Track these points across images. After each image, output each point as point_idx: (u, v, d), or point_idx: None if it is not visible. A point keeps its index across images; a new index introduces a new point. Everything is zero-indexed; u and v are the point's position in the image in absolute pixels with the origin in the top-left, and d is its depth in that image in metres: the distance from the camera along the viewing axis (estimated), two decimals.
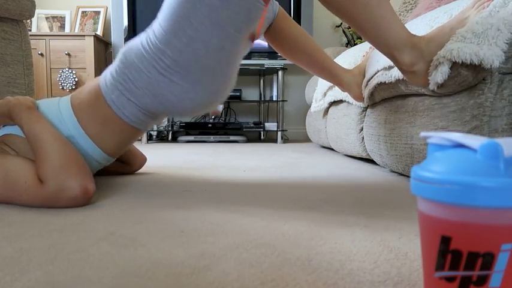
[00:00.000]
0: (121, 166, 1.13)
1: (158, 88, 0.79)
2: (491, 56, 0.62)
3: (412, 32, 0.77)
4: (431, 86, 0.75)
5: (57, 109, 0.84)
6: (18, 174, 0.71)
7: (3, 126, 0.85)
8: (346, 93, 1.35)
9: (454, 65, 0.69)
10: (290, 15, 2.63)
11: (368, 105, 1.27)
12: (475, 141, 0.27)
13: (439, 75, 0.70)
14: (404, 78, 0.85)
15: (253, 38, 0.92)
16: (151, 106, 0.82)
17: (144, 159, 1.18)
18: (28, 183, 0.70)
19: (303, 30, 1.05)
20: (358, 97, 1.15)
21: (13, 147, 0.80)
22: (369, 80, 1.07)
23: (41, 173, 0.70)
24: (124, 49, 0.84)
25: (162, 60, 0.77)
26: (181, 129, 2.71)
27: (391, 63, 0.90)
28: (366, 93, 1.10)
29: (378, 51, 1.02)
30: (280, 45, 1.04)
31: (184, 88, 0.79)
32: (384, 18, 0.73)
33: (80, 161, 0.74)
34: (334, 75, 1.10)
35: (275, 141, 2.77)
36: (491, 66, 0.63)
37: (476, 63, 0.64)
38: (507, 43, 0.63)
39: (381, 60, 0.97)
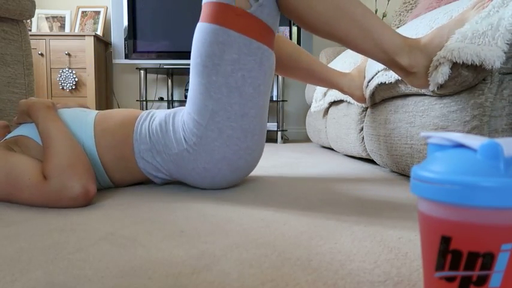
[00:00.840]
0: None
1: (182, 162, 0.82)
2: (492, 56, 0.62)
3: (404, 35, 0.77)
4: (432, 87, 0.75)
5: (80, 124, 0.85)
6: (22, 170, 0.71)
7: (20, 124, 0.86)
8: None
9: (455, 66, 0.69)
10: None
11: (369, 105, 1.27)
12: (475, 141, 0.27)
13: (440, 75, 0.70)
14: (406, 82, 0.85)
15: None
16: (173, 172, 0.85)
17: None
18: (32, 180, 0.70)
19: (296, 46, 1.05)
20: (361, 99, 1.15)
21: (24, 149, 0.80)
22: (369, 81, 1.07)
23: (47, 170, 0.70)
24: (171, 112, 0.86)
25: (191, 140, 0.80)
26: None
27: None
28: (367, 94, 1.10)
29: None
30: (276, 66, 1.04)
31: (207, 167, 0.82)
32: (373, 27, 0.74)
33: (86, 164, 0.75)
34: (334, 83, 1.10)
35: (275, 141, 2.77)
36: (492, 67, 0.63)
37: (478, 63, 0.64)
38: (508, 43, 0.63)
39: None
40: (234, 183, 0.88)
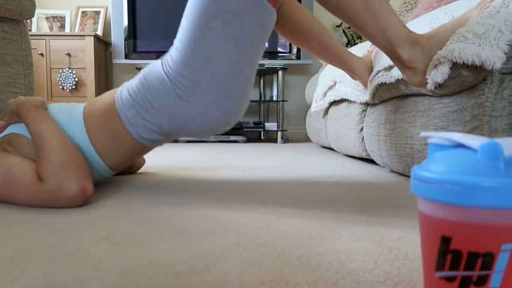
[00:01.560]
0: None
1: (176, 110, 0.81)
2: (493, 57, 0.62)
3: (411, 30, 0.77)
4: (430, 86, 0.75)
5: (69, 116, 0.84)
6: (18, 171, 0.71)
7: (11, 124, 0.85)
8: (349, 90, 1.34)
9: (455, 66, 0.69)
10: None
11: (369, 105, 1.27)
12: (475, 141, 0.27)
13: (440, 75, 0.70)
14: (404, 78, 0.85)
15: None
16: (166, 127, 0.84)
17: (142, 161, 1.19)
18: (27, 181, 0.70)
19: (312, 15, 1.02)
20: (367, 84, 1.13)
21: (17, 147, 0.80)
22: (372, 79, 1.07)
23: (42, 171, 0.70)
24: (145, 70, 0.85)
25: (181, 83, 0.78)
26: None
27: (391, 63, 0.90)
28: (370, 89, 1.10)
29: (379, 52, 1.02)
30: (289, 32, 1.01)
31: (201, 110, 0.80)
32: (381, 13, 0.74)
33: (80, 162, 0.74)
34: (347, 62, 1.08)
35: (275, 141, 2.77)
36: (492, 67, 0.63)
37: (478, 64, 0.64)
38: (508, 44, 0.63)
39: (382, 60, 0.97)
40: (229, 125, 0.87)
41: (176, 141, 2.75)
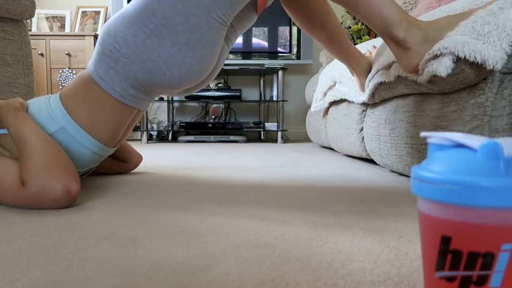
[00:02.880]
0: (117, 165, 1.13)
1: (146, 53, 0.78)
2: (495, 57, 0.62)
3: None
4: (424, 76, 0.73)
5: (48, 104, 0.83)
6: (3, 175, 0.70)
7: None
8: (347, 90, 1.34)
9: (458, 61, 0.68)
10: None
11: (368, 105, 1.27)
12: (475, 141, 0.27)
13: (443, 68, 0.68)
14: (402, 74, 0.84)
15: (256, 7, 0.91)
16: (140, 76, 0.80)
17: (140, 158, 1.18)
18: (12, 185, 0.69)
19: (328, 5, 1.01)
20: (363, 86, 1.13)
21: (8, 147, 0.79)
22: (369, 80, 1.07)
23: (23, 174, 0.69)
24: (107, 23, 0.83)
25: (150, 23, 0.76)
26: (182, 129, 2.72)
27: (390, 60, 0.89)
28: (367, 91, 1.10)
29: (378, 53, 1.01)
30: (301, 19, 1.00)
31: (172, 52, 0.78)
32: None
33: (64, 162, 0.73)
34: (353, 57, 1.07)
35: (275, 141, 2.77)
36: (493, 67, 0.62)
37: (480, 62, 0.63)
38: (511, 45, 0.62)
39: (381, 59, 0.97)
40: (203, 74, 0.85)
41: (176, 141, 2.75)
